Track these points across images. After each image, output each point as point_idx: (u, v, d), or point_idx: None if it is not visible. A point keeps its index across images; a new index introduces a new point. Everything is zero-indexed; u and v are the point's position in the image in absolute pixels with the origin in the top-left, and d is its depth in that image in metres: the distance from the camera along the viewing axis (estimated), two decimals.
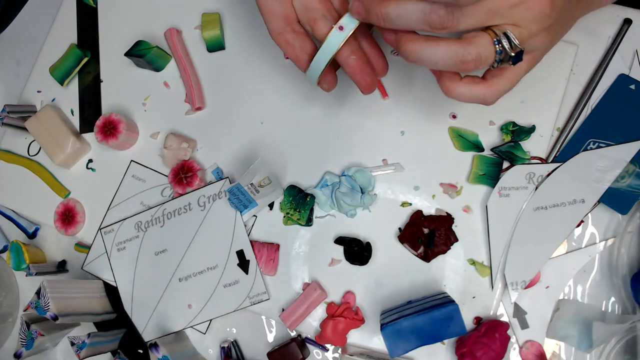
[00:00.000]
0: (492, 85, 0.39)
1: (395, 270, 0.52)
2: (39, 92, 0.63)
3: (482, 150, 0.52)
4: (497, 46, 0.36)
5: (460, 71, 0.38)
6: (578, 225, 0.51)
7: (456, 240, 0.51)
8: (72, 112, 0.62)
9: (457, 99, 0.39)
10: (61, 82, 0.62)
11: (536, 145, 0.52)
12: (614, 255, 0.50)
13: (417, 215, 0.52)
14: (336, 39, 0.41)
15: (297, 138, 0.56)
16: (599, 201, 0.50)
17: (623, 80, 0.51)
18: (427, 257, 0.51)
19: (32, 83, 0.63)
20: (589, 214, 0.51)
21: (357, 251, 0.52)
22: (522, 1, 0.35)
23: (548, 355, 0.50)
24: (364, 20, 0.39)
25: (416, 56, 0.37)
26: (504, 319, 0.51)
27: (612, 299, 0.50)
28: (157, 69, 0.60)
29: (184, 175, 0.56)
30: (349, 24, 0.41)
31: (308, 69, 0.44)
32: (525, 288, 0.50)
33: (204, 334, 0.56)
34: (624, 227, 0.50)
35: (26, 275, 0.58)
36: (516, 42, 0.36)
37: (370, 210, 0.53)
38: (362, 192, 0.53)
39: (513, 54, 0.36)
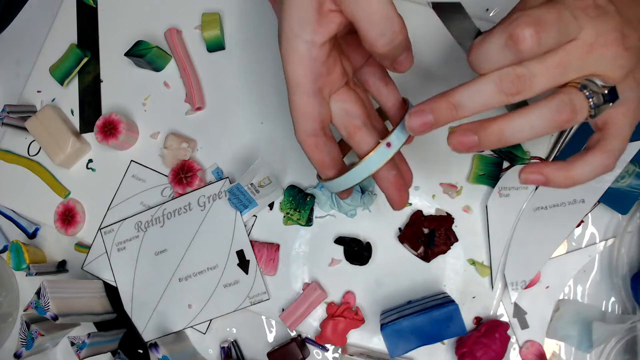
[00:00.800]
0: (602, 147, 0.35)
1: (395, 270, 0.52)
2: (39, 92, 0.63)
3: (482, 150, 0.52)
4: (584, 91, 0.33)
5: (559, 128, 0.34)
6: (578, 225, 0.51)
7: (456, 240, 0.51)
8: (72, 112, 0.62)
9: (581, 181, 0.35)
10: (61, 82, 0.62)
11: (536, 145, 0.52)
12: (614, 255, 0.50)
13: (417, 215, 0.52)
14: (382, 156, 0.37)
15: None
16: (599, 201, 0.50)
17: None
18: (427, 257, 0.51)
19: (32, 83, 0.63)
20: (589, 214, 0.51)
21: (357, 251, 0.52)
22: (590, 50, 0.33)
23: (548, 355, 0.50)
24: (433, 126, 0.35)
25: (510, 130, 0.33)
26: (504, 319, 0.51)
27: (612, 299, 0.50)
28: (157, 69, 0.60)
29: (184, 175, 0.56)
30: (397, 140, 0.37)
31: (335, 179, 0.39)
32: (525, 288, 0.50)
33: (204, 334, 0.56)
34: (624, 227, 0.50)
35: (26, 275, 0.57)
36: (601, 82, 0.34)
37: (370, 210, 0.53)
38: (362, 192, 0.53)
39: (606, 92, 0.34)
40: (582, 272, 0.51)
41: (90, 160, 0.61)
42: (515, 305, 0.51)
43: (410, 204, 0.53)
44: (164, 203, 0.57)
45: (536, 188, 0.51)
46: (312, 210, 0.54)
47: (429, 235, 0.51)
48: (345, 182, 0.38)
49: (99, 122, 0.58)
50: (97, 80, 0.62)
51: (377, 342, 0.52)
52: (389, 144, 0.37)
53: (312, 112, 0.39)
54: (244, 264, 0.54)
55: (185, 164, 0.56)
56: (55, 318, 0.50)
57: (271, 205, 0.55)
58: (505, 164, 0.52)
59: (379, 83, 0.42)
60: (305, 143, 0.40)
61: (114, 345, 0.56)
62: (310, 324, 0.53)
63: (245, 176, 0.51)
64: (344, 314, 0.51)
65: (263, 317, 0.55)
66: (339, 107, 0.40)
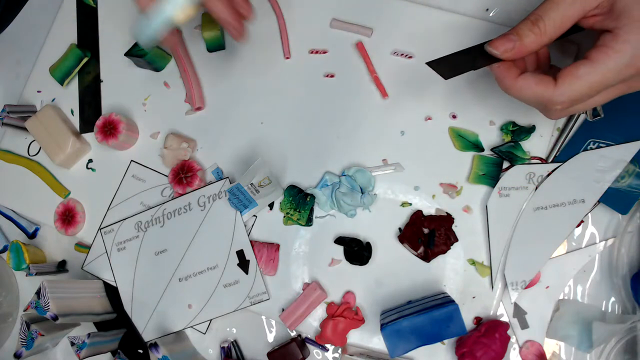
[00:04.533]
0: (617, 38, 0.37)
1: (395, 270, 0.52)
2: (39, 92, 0.63)
3: (482, 150, 0.52)
4: None
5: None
6: (578, 225, 0.51)
7: (456, 240, 0.51)
8: (72, 112, 0.62)
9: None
10: (61, 82, 0.62)
11: (536, 145, 0.52)
12: (614, 255, 0.50)
13: (417, 215, 0.52)
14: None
15: (297, 138, 0.56)
16: (599, 201, 0.50)
17: None
18: (427, 257, 0.51)
19: (32, 83, 0.63)
20: (589, 214, 0.51)
21: (357, 251, 0.52)
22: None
23: (548, 355, 0.50)
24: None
25: None
26: (504, 319, 0.51)
27: (612, 299, 0.50)
28: (157, 69, 0.60)
29: (184, 175, 0.56)
30: None
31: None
32: (525, 288, 0.50)
33: (204, 334, 0.56)
34: (624, 227, 0.50)
35: (26, 275, 0.57)
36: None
37: (370, 210, 0.53)
38: (362, 192, 0.53)
39: None
40: (582, 272, 0.51)
41: (90, 160, 0.61)
42: (515, 305, 0.51)
43: (410, 204, 0.53)
44: (164, 203, 0.57)
45: (536, 188, 0.51)
46: (312, 210, 0.54)
47: (429, 235, 0.51)
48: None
49: (99, 122, 0.58)
50: (97, 80, 0.62)
51: (377, 342, 0.52)
52: None
53: None
54: (244, 264, 0.54)
55: (185, 164, 0.56)
56: (55, 318, 0.50)
57: (271, 205, 0.55)
58: (506, 164, 0.52)
59: None
60: None
61: (114, 345, 0.56)
62: (310, 324, 0.53)
63: (245, 176, 0.51)
64: (344, 314, 0.51)
65: (263, 317, 0.55)
66: None
